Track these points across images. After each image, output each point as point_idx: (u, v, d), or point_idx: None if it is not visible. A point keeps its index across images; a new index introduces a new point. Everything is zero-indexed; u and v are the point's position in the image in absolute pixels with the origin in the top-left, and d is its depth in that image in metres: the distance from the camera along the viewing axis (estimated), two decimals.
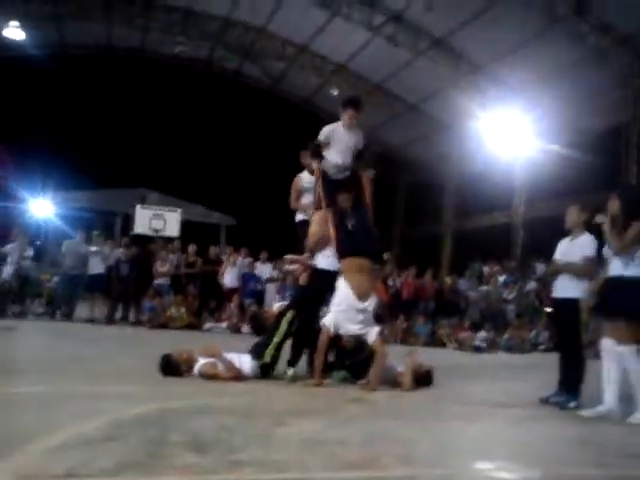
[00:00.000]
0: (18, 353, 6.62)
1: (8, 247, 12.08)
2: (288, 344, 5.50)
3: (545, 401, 5.05)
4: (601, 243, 4.90)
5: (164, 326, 11.58)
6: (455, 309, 13.98)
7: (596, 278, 5.03)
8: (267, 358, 5.23)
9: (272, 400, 4.36)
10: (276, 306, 7.32)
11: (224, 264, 13.03)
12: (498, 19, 14.55)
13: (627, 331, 4.41)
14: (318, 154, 5.70)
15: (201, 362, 5.00)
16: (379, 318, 5.53)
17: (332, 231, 5.37)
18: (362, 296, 5.06)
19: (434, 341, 12.53)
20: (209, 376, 4.92)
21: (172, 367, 4.95)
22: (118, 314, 12.46)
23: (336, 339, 5.18)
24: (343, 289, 5.09)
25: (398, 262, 16.66)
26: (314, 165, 5.72)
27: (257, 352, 5.27)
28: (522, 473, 2.75)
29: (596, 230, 4.95)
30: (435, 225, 23.07)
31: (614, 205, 4.65)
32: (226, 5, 18.10)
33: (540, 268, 13.53)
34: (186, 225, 20.49)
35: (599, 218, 4.65)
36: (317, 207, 5.75)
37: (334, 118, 6.01)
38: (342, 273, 5.18)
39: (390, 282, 13.72)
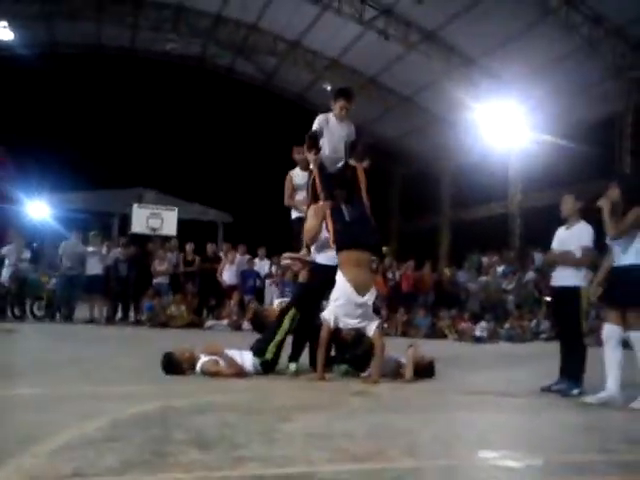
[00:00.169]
0: (18, 355, 6.60)
1: (5, 249, 12.05)
2: (289, 340, 5.50)
3: (547, 389, 5.06)
4: (599, 231, 4.91)
5: (164, 325, 11.60)
6: (455, 300, 14.01)
7: (600, 267, 5.03)
8: (269, 355, 5.23)
9: (275, 395, 4.36)
10: (277, 303, 7.29)
11: (222, 261, 13.04)
12: (489, 12, 14.50)
13: (638, 318, 4.42)
14: (315, 146, 5.56)
15: (203, 360, 5.00)
16: (377, 310, 5.52)
17: (329, 223, 5.32)
18: (361, 290, 5.03)
19: (435, 333, 12.58)
20: (211, 373, 4.92)
21: (174, 365, 4.94)
22: (118, 314, 12.46)
23: (336, 332, 5.18)
24: (341, 283, 5.06)
25: (396, 256, 16.67)
26: (310, 157, 5.57)
27: (259, 349, 5.27)
28: (526, 461, 2.75)
29: (593, 218, 4.98)
30: (432, 217, 23.09)
31: (614, 192, 4.69)
32: (217, 1, 18.06)
33: (538, 258, 13.56)
34: (183, 223, 20.48)
35: (601, 202, 4.67)
36: (310, 202, 5.65)
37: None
38: (340, 266, 5.15)
39: (389, 275, 13.76)
